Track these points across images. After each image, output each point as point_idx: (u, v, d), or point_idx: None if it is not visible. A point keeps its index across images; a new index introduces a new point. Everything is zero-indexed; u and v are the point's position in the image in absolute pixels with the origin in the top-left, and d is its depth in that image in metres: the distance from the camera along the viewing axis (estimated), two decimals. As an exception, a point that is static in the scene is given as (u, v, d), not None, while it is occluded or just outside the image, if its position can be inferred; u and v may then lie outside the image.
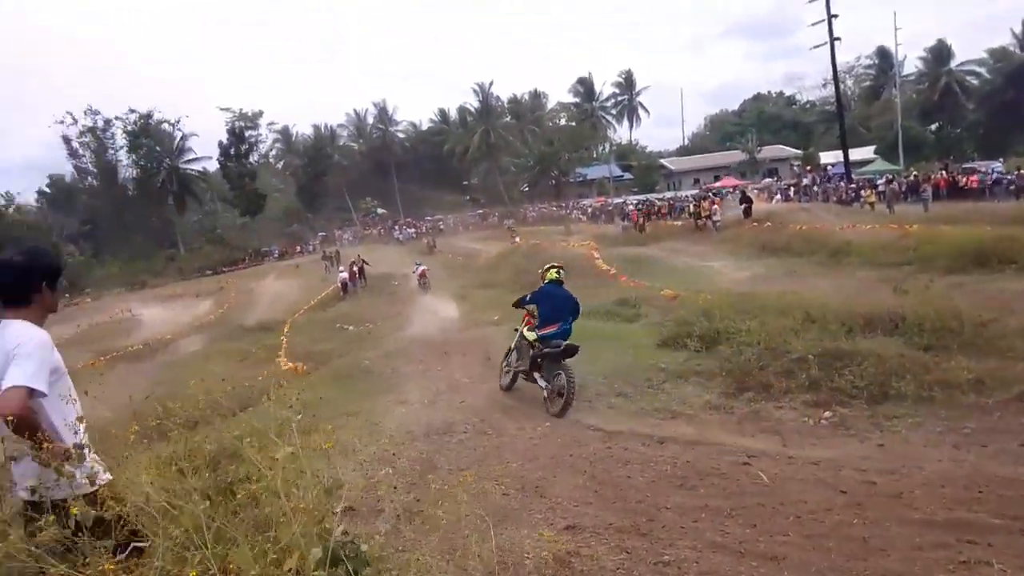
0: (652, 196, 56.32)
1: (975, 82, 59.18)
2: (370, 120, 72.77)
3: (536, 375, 8.18)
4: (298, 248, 58.65)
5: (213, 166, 64.47)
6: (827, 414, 6.36)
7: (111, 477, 2.74)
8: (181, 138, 63.34)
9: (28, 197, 63.02)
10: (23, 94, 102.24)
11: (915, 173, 39.33)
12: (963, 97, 58.68)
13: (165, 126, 62.50)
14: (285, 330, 20.46)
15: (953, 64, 59.16)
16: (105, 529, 2.43)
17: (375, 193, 67.04)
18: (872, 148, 56.07)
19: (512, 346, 8.98)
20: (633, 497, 5.01)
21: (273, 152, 73.48)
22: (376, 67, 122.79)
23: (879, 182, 36.44)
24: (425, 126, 75.33)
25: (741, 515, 4.47)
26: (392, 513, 5.17)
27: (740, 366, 7.91)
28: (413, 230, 54.48)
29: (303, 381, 11.84)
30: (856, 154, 49.92)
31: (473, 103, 68.30)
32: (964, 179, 34.04)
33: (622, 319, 13.60)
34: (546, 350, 8.03)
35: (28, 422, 2.45)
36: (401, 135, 74.09)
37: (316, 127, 71.55)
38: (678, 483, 5.18)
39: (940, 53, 59.37)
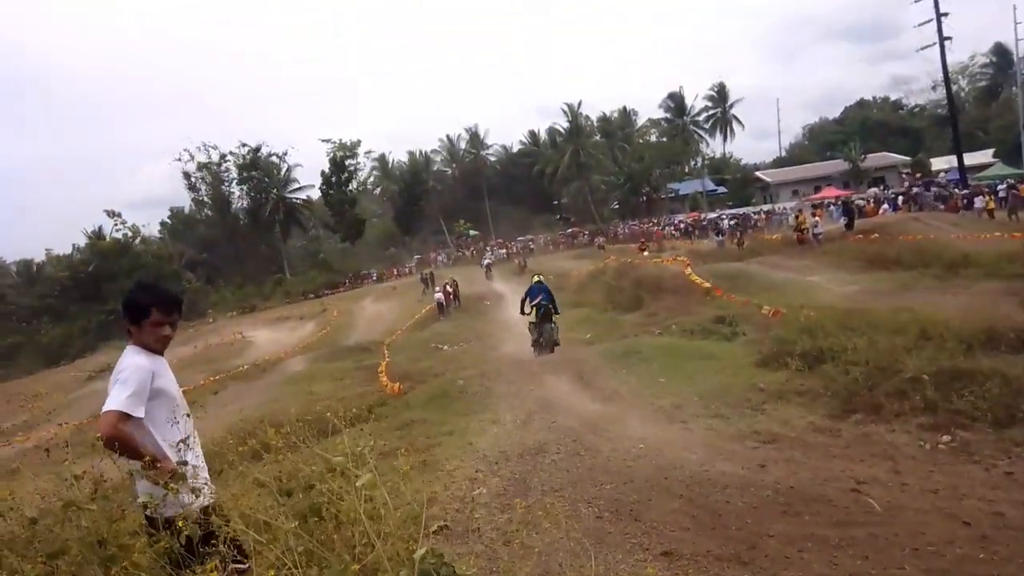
0: (747, 209, 54.63)
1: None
2: (462, 145, 74.65)
3: (536, 342, 14.13)
4: (395, 271, 60.57)
5: (316, 194, 67.88)
6: (946, 438, 5.91)
7: (216, 497, 2.91)
8: (287, 169, 67.19)
9: (152, 229, 68.58)
10: (146, 134, 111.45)
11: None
12: (1097, 92, 53.80)
13: (273, 158, 66.47)
14: (385, 351, 21.06)
15: (1085, 55, 54.34)
16: (213, 547, 2.58)
17: (468, 215, 68.43)
18: (991, 152, 52.23)
19: (529, 327, 14.62)
20: (733, 523, 4.82)
21: (371, 179, 76.56)
22: (468, 94, 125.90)
23: (1000, 187, 33.89)
24: (516, 148, 76.56)
25: (851, 546, 4.21)
26: (486, 534, 5.20)
27: (846, 386, 7.49)
28: (504, 251, 55.10)
29: (401, 400, 12.17)
30: (972, 159, 46.67)
31: (562, 123, 68.81)
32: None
33: (719, 337, 13.23)
34: (533, 313, 14.06)
35: (123, 442, 2.66)
36: (492, 158, 75.57)
37: (411, 153, 74.20)
38: (781, 510, 4.94)
39: (1068, 45, 54.72)
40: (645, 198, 62.08)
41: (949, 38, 39.05)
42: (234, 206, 67.22)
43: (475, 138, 73.75)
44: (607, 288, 24.54)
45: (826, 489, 5.19)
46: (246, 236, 65.66)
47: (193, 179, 65.33)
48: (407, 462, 3.67)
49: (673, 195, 65.28)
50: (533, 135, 75.35)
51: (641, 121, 75.12)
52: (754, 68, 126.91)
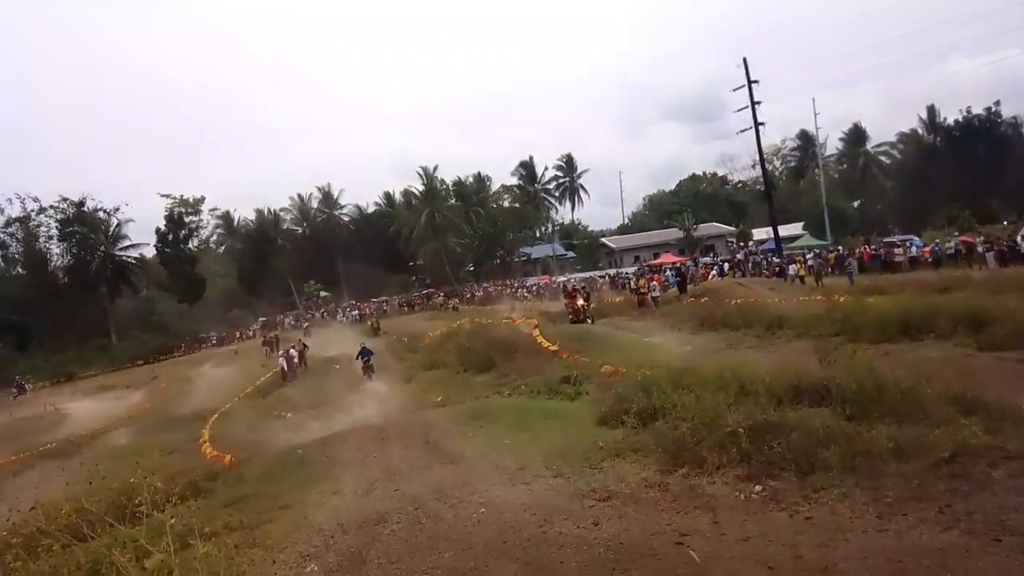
0: (594, 273, 57.53)
1: (888, 162, 63.46)
2: (314, 204, 73.03)
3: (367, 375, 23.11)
4: (238, 334, 57.24)
5: (151, 252, 63.32)
6: (758, 488, 6.39)
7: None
8: (117, 225, 62.19)
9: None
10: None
11: (840, 248, 41.41)
12: (881, 176, 62.68)
13: (100, 213, 61.39)
14: (211, 420, 19.67)
15: (869, 145, 63.39)
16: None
17: (320, 276, 66.59)
18: (801, 224, 58.91)
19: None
20: (565, 583, 4.89)
21: (215, 237, 72.74)
22: (320, 155, 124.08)
23: (808, 256, 38.10)
24: (371, 209, 76.10)
25: (673, 598, 4.40)
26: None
27: (675, 441, 7.92)
28: (356, 312, 53.92)
29: (234, 473, 11.35)
30: (786, 230, 52.30)
31: (418, 186, 69.50)
32: (890, 252, 35.83)
33: (564, 396, 13.59)
34: (364, 362, 23.52)
35: None
36: (346, 218, 74.44)
37: (259, 211, 71.29)
38: (611, 566, 5.10)
39: (857, 135, 63.69)
40: (500, 260, 63.69)
41: (763, 123, 43.93)
42: (53, 264, 61.00)
43: (328, 197, 72.49)
44: (461, 349, 24.55)
45: (653, 543, 5.42)
46: (66, 297, 59.37)
47: (2, 235, 58.87)
48: (247, 537, 3.43)
49: (526, 258, 67.52)
50: (388, 197, 75.45)
51: (495, 187, 77.59)
52: (600, 142, 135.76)
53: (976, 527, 4.93)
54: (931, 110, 60.34)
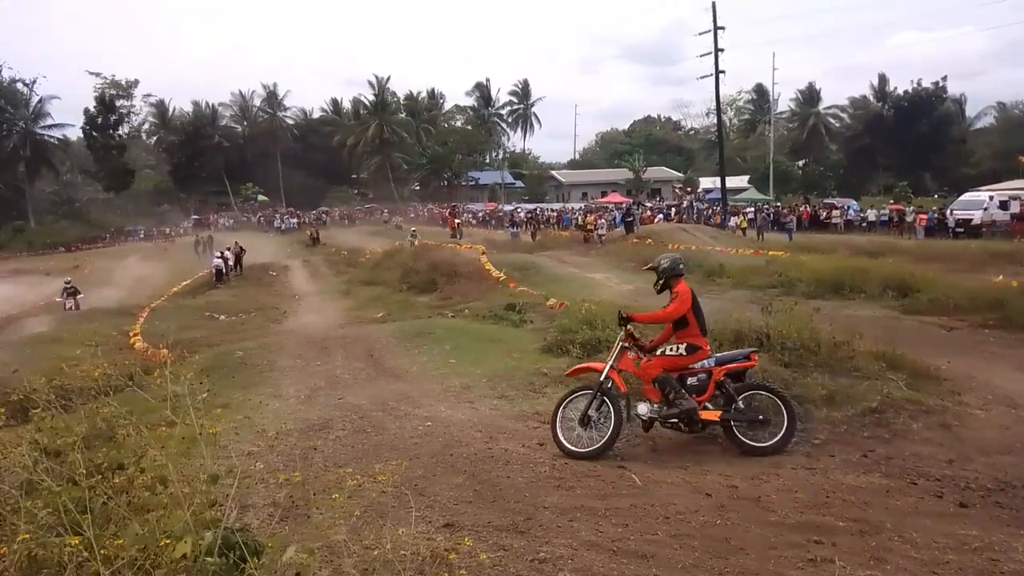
0: (542, 205, 57.55)
1: (838, 125, 64.79)
2: (257, 102, 69.73)
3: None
4: (168, 230, 55.09)
5: (75, 134, 59.52)
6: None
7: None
8: (39, 101, 57.97)
9: None
10: None
11: (780, 204, 42.56)
12: (827, 138, 64.06)
13: (19, 85, 57.01)
14: (142, 315, 19.08)
15: (821, 107, 64.41)
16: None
17: (257, 179, 64.23)
18: (746, 178, 60.03)
19: None
20: (512, 497, 5.05)
21: (146, 126, 68.87)
22: (269, 50, 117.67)
23: (749, 210, 39.06)
24: (317, 115, 73.29)
25: (614, 515, 4.61)
26: (263, 511, 4.94)
27: (618, 374, 8.15)
28: (295, 220, 52.54)
29: (170, 370, 11.10)
30: (732, 182, 53.18)
31: (368, 96, 67.11)
32: (829, 213, 37.11)
33: (509, 323, 13.75)
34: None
35: None
36: (290, 121, 71.46)
37: (196, 104, 67.71)
38: (556, 484, 5.27)
39: (810, 96, 64.55)
40: (446, 183, 62.78)
41: (723, 72, 43.82)
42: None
43: (272, 97, 69.26)
44: (403, 268, 24.43)
45: (596, 466, 5.63)
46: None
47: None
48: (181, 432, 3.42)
49: (473, 183, 66.73)
50: (336, 104, 72.80)
51: (448, 106, 75.65)
52: (556, 74, 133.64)
53: (895, 471, 5.33)
54: (882, 78, 61.58)
